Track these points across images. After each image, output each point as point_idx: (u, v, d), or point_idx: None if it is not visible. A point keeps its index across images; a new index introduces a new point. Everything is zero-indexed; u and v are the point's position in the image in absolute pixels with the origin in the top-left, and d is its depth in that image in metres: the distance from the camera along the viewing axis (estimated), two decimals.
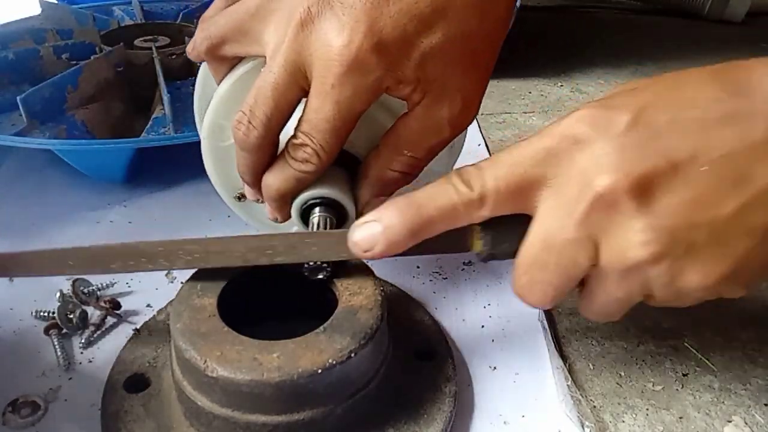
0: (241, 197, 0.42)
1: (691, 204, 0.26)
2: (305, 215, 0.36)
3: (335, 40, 0.30)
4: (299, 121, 0.32)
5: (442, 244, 0.30)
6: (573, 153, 0.27)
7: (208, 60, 0.36)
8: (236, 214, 0.44)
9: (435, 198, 0.29)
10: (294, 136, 0.33)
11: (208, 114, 0.38)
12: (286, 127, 0.33)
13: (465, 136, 0.45)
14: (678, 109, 0.26)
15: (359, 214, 0.36)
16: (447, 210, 0.29)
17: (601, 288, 0.29)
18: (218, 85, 0.37)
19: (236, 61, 0.36)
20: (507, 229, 0.30)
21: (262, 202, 0.37)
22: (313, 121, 0.32)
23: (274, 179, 0.34)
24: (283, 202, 0.35)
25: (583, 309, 0.31)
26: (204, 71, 0.40)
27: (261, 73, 0.32)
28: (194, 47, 0.36)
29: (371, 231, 0.29)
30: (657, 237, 0.26)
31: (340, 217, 0.36)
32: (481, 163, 0.29)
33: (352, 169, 0.36)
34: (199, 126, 0.41)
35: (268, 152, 0.34)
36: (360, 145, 0.35)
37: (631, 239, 0.26)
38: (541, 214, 0.28)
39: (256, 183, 0.35)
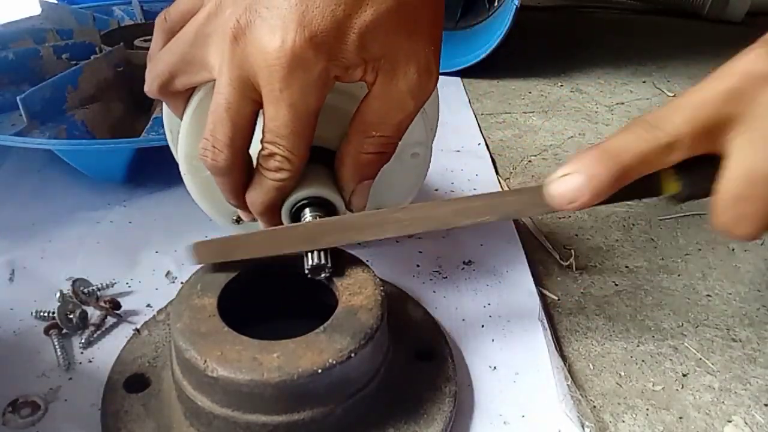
0: (239, 220, 0.42)
1: None
2: (295, 218, 0.36)
3: (269, 45, 0.30)
4: (262, 132, 0.32)
5: (635, 190, 0.31)
6: (759, 88, 0.28)
7: (163, 98, 0.36)
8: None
9: (630, 145, 0.29)
10: (262, 148, 0.33)
11: (179, 149, 0.38)
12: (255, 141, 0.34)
13: (438, 103, 0.45)
14: None
15: (347, 205, 0.36)
16: (644, 155, 0.29)
17: None
18: (181, 119, 0.37)
19: (190, 92, 0.36)
20: (700, 168, 0.30)
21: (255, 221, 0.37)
22: (273, 129, 0.32)
23: (256, 195, 0.34)
24: (273, 213, 0.36)
25: None
26: (166, 107, 0.40)
27: (213, 96, 0.32)
28: (148, 87, 0.36)
29: (575, 182, 0.30)
30: None
31: (329, 213, 0.36)
32: (665, 108, 0.30)
33: (331, 163, 0.36)
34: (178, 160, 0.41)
35: (241, 171, 0.34)
36: (331, 137, 0.35)
37: None
38: (737, 151, 0.29)
39: (243, 203, 0.36)
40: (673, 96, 0.82)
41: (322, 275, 0.33)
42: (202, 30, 0.33)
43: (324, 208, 0.35)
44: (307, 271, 0.33)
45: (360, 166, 0.35)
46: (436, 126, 0.45)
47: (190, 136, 0.37)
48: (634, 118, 0.30)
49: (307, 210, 0.35)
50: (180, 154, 0.38)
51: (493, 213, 0.33)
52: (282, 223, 0.37)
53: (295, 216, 0.36)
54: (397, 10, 0.31)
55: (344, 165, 0.35)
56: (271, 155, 0.32)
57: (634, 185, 0.30)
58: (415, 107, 0.34)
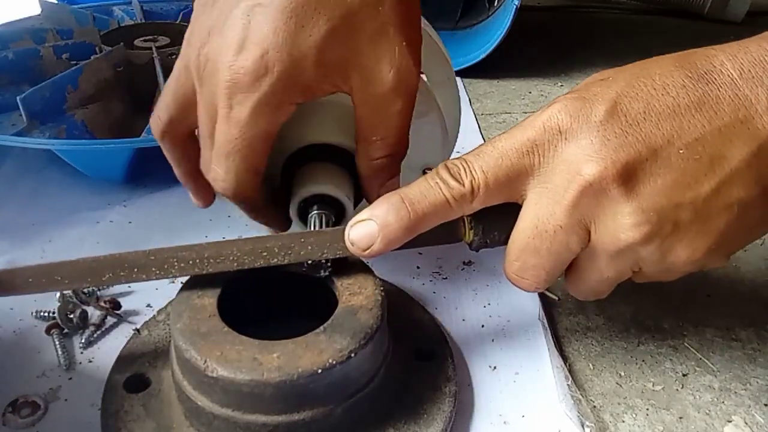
0: None
1: (674, 185, 0.27)
2: (303, 214, 0.36)
3: (222, 62, 0.30)
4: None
5: (435, 236, 0.31)
6: (557, 143, 0.28)
7: (169, 144, 0.37)
8: (236, 215, 0.44)
9: (427, 194, 0.29)
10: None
11: None
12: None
13: (459, 124, 0.45)
14: (651, 97, 0.28)
15: None
16: (439, 205, 0.29)
17: (591, 268, 0.30)
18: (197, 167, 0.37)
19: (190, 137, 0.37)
20: (497, 218, 0.31)
21: (257, 220, 0.38)
22: (217, 143, 0.32)
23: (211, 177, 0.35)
24: (274, 217, 0.37)
25: (572, 288, 0.32)
26: None
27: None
28: (156, 135, 0.36)
29: (367, 230, 0.30)
30: (647, 218, 0.27)
31: (338, 214, 0.36)
32: (468, 156, 0.30)
33: (347, 163, 0.36)
34: None
35: (184, 149, 0.37)
36: (350, 138, 0.36)
37: (622, 222, 0.28)
38: (530, 202, 0.29)
39: (193, 187, 0.38)
40: None
41: (321, 273, 0.33)
42: (183, 65, 0.33)
43: (333, 207, 0.36)
44: (305, 269, 0.33)
45: (376, 172, 0.35)
46: (454, 143, 0.46)
47: None
48: (438, 165, 0.30)
49: (314, 207, 0.35)
50: None
51: (285, 255, 0.32)
52: (288, 224, 0.37)
53: (303, 211, 0.36)
54: (351, 15, 0.30)
55: (362, 175, 0.36)
56: (214, 169, 0.33)
57: (432, 231, 0.30)
58: (402, 104, 0.33)
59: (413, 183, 0.30)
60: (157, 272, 0.32)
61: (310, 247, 0.32)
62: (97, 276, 0.32)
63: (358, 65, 0.31)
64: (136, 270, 0.32)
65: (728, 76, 0.27)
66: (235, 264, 0.32)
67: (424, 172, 0.40)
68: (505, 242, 0.31)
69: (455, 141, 0.44)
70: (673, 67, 0.28)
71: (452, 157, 0.66)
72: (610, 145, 0.27)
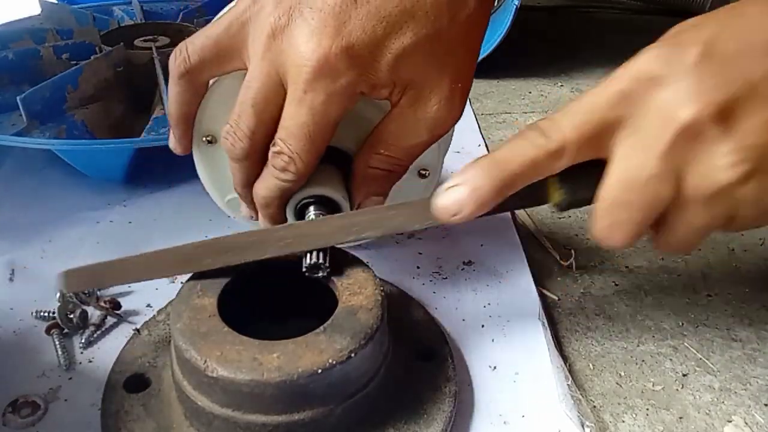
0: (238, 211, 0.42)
1: None
2: (300, 215, 0.36)
3: (304, 46, 0.30)
4: (278, 128, 0.32)
5: (522, 199, 0.31)
6: (649, 91, 0.28)
7: (181, 86, 0.35)
8: (238, 217, 0.44)
9: (516, 153, 0.29)
10: (273, 144, 0.33)
11: (198, 117, 0.38)
12: None
13: (452, 132, 0.45)
14: (746, 35, 0.27)
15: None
16: (530, 164, 0.29)
17: (684, 218, 0.29)
18: (188, 108, 0.37)
19: (207, 85, 0.36)
20: (583, 175, 0.30)
21: (257, 219, 0.37)
22: (288, 128, 0.32)
23: (260, 187, 0.35)
24: (273, 210, 0.36)
25: (660, 242, 0.31)
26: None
27: (242, 86, 0.32)
28: (174, 70, 0.35)
29: (458, 194, 0.29)
30: (745, 156, 0.27)
31: (334, 213, 0.36)
32: (556, 114, 0.29)
33: (345, 166, 0.36)
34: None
35: (255, 162, 0.34)
36: (351, 141, 0.36)
37: (719, 163, 0.27)
38: (619, 155, 0.29)
39: (249, 194, 0.36)
40: None
41: (320, 274, 0.33)
42: (238, 18, 0.33)
43: (329, 207, 0.35)
44: (304, 270, 0.33)
45: (366, 179, 0.35)
46: (447, 147, 0.46)
47: (214, 107, 0.37)
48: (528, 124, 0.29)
49: (311, 208, 0.35)
50: (197, 129, 0.38)
51: (377, 228, 0.33)
52: (285, 220, 0.37)
53: (300, 213, 0.36)
54: (434, 40, 0.32)
55: (355, 177, 0.36)
56: (279, 153, 0.32)
57: (521, 193, 0.30)
58: (429, 138, 0.34)
59: (502, 145, 0.30)
60: (257, 252, 0.33)
61: (400, 219, 0.32)
62: (198, 261, 0.33)
63: (419, 86, 0.32)
64: (235, 252, 0.33)
65: None
66: (329, 240, 0.33)
67: (420, 174, 0.40)
68: (591, 201, 0.30)
69: (450, 141, 0.44)
70: (766, 7, 0.28)
71: (451, 157, 0.66)
72: (705, 86, 0.27)
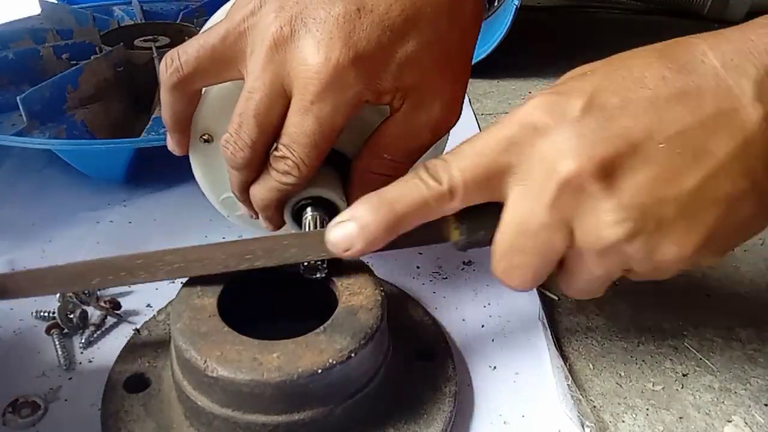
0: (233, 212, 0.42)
1: (656, 181, 0.26)
2: (297, 216, 0.36)
3: (312, 58, 0.30)
4: (281, 133, 0.32)
5: (419, 236, 0.31)
6: (534, 140, 0.27)
7: (174, 95, 0.35)
8: (237, 221, 0.44)
9: (405, 193, 0.29)
10: (275, 148, 0.33)
11: (194, 116, 0.38)
12: None
13: (448, 134, 0.45)
14: (628, 90, 0.27)
15: None
16: (419, 204, 0.29)
17: (579, 267, 0.29)
18: (181, 117, 0.37)
19: (200, 93, 0.36)
20: (481, 217, 0.30)
21: (256, 218, 0.37)
22: (293, 135, 0.32)
23: (259, 190, 0.35)
24: (271, 212, 0.36)
25: (564, 288, 0.32)
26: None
27: (242, 96, 0.32)
28: (165, 81, 0.34)
29: (347, 231, 0.29)
30: (628, 215, 0.26)
31: (332, 216, 0.36)
32: (446, 155, 0.29)
33: (343, 167, 0.36)
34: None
35: (255, 169, 0.34)
36: (349, 144, 0.36)
37: (603, 220, 0.27)
38: (511, 201, 0.29)
39: (248, 198, 0.36)
40: None
41: (317, 275, 0.33)
42: (236, 29, 0.32)
43: (326, 209, 0.35)
44: (302, 271, 0.33)
45: (365, 184, 0.35)
46: (443, 149, 0.46)
47: (212, 109, 0.37)
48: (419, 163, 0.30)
49: (309, 209, 0.35)
50: (193, 128, 0.38)
51: (270, 258, 0.33)
52: (281, 224, 0.37)
53: (297, 213, 0.36)
54: (435, 46, 0.32)
55: (352, 179, 0.36)
56: (283, 158, 0.32)
57: (417, 232, 0.30)
58: (430, 141, 0.35)
59: (392, 183, 0.30)
60: (145, 275, 0.33)
61: (293, 250, 0.32)
62: (86, 280, 0.33)
63: (421, 91, 0.33)
64: (123, 273, 0.33)
65: (710, 66, 0.27)
66: (221, 267, 0.33)
67: None
68: (491, 242, 0.30)
69: (446, 141, 0.44)
70: (653, 58, 0.28)
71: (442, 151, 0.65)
72: (586, 140, 0.26)
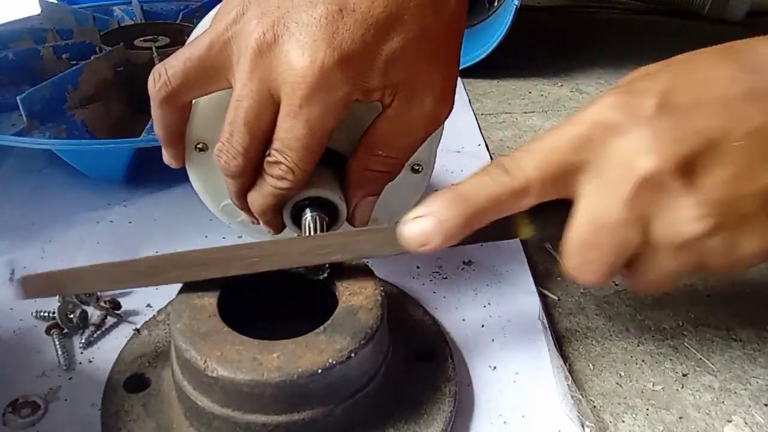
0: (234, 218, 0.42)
1: (735, 177, 0.27)
2: (297, 217, 0.36)
3: (297, 62, 0.30)
4: (273, 138, 0.32)
5: (490, 232, 0.31)
6: (608, 138, 0.28)
7: (164, 109, 0.35)
8: (237, 226, 0.44)
9: (481, 189, 0.29)
10: (268, 154, 0.33)
11: (188, 126, 0.38)
12: None
13: (443, 126, 0.45)
14: (699, 90, 0.28)
15: (350, 218, 0.37)
16: (495, 200, 0.29)
17: (653, 263, 0.30)
18: (174, 130, 0.37)
19: (190, 105, 0.36)
20: (551, 213, 0.30)
21: (257, 223, 0.37)
22: (285, 140, 0.32)
23: (257, 196, 0.35)
24: (270, 216, 0.36)
25: (633, 284, 0.32)
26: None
27: (230, 105, 0.32)
28: (154, 96, 0.34)
29: (425, 226, 0.30)
30: (710, 211, 0.27)
31: (331, 215, 0.36)
32: (517, 153, 0.30)
33: (339, 166, 0.36)
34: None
35: (250, 176, 0.34)
36: (344, 142, 0.35)
37: (684, 215, 0.27)
38: (585, 197, 0.29)
39: (246, 204, 0.36)
40: None
41: (320, 276, 0.33)
42: (220, 39, 0.32)
43: (325, 209, 0.35)
44: (304, 271, 0.33)
45: (363, 181, 0.35)
46: (439, 141, 0.45)
47: (203, 119, 0.37)
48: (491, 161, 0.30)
49: (308, 210, 0.35)
50: (187, 137, 0.38)
51: (344, 252, 0.33)
52: (281, 227, 0.37)
53: (296, 215, 0.36)
54: (421, 40, 0.32)
55: (349, 178, 0.36)
56: (277, 163, 0.32)
57: (489, 228, 0.30)
58: (425, 134, 0.34)
59: (466, 178, 0.30)
60: (220, 269, 0.33)
61: (367, 245, 0.33)
62: (160, 274, 0.33)
63: (410, 86, 0.32)
64: (198, 268, 0.33)
65: None
66: (296, 262, 0.33)
67: (413, 169, 0.40)
68: (561, 237, 0.31)
69: (441, 134, 0.44)
70: (718, 60, 0.29)
71: (452, 157, 0.66)
72: (663, 138, 0.27)
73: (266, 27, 0.31)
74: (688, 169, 0.27)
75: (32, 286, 0.33)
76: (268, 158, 0.33)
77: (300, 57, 0.30)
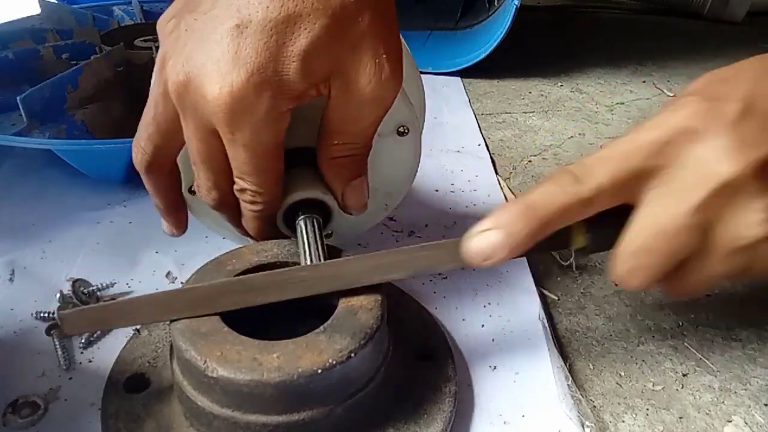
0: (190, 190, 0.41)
1: None
2: (290, 222, 0.36)
3: (211, 93, 0.29)
4: (232, 168, 0.33)
5: (546, 243, 0.30)
6: (687, 144, 0.28)
7: (156, 175, 0.36)
8: (229, 235, 0.44)
9: (550, 198, 0.29)
10: (234, 183, 0.33)
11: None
12: None
13: (422, 85, 0.45)
14: None
15: (344, 208, 0.36)
16: (563, 210, 0.29)
17: (703, 267, 0.30)
18: (175, 195, 0.38)
19: (175, 164, 0.37)
20: (608, 220, 0.30)
21: (265, 239, 0.37)
22: (238, 167, 0.32)
23: (245, 222, 0.36)
24: (268, 233, 0.36)
25: (672, 288, 0.32)
26: None
27: (185, 147, 0.33)
28: (139, 169, 0.36)
29: (492, 240, 0.29)
30: None
31: (323, 213, 0.36)
32: (590, 159, 0.30)
33: (316, 162, 0.36)
34: None
35: (236, 205, 0.35)
36: (311, 138, 0.35)
37: (751, 219, 0.28)
38: (649, 203, 0.29)
39: (245, 231, 0.37)
40: (673, 96, 0.82)
41: None
42: (161, 94, 0.32)
43: (316, 208, 0.36)
44: None
45: (336, 170, 0.35)
46: (424, 100, 0.45)
47: (186, 170, 0.37)
48: (560, 167, 0.29)
49: (299, 214, 0.35)
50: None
51: (405, 269, 0.33)
52: (284, 234, 0.37)
53: (289, 220, 0.36)
54: (333, 26, 0.30)
55: (322, 171, 0.35)
56: (242, 190, 0.33)
57: (546, 238, 0.30)
58: (375, 114, 0.33)
59: (535, 188, 0.30)
60: (276, 294, 0.32)
61: (427, 261, 0.32)
62: (216, 302, 0.32)
63: (340, 73, 0.31)
64: (253, 293, 0.32)
65: None
66: (355, 281, 0.32)
67: (399, 132, 0.39)
68: (611, 247, 0.30)
69: (423, 94, 0.43)
70: None
71: (452, 156, 0.65)
72: (746, 143, 0.27)
73: (178, 69, 0.30)
74: (764, 173, 0.27)
75: (73, 322, 0.32)
76: (235, 188, 0.33)
77: (211, 87, 0.29)
